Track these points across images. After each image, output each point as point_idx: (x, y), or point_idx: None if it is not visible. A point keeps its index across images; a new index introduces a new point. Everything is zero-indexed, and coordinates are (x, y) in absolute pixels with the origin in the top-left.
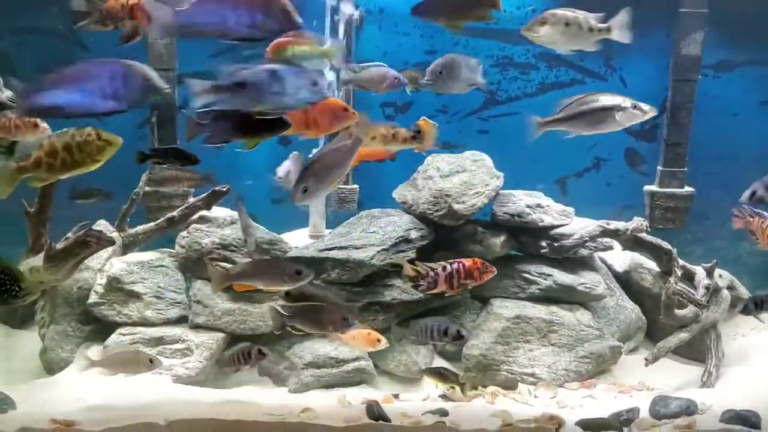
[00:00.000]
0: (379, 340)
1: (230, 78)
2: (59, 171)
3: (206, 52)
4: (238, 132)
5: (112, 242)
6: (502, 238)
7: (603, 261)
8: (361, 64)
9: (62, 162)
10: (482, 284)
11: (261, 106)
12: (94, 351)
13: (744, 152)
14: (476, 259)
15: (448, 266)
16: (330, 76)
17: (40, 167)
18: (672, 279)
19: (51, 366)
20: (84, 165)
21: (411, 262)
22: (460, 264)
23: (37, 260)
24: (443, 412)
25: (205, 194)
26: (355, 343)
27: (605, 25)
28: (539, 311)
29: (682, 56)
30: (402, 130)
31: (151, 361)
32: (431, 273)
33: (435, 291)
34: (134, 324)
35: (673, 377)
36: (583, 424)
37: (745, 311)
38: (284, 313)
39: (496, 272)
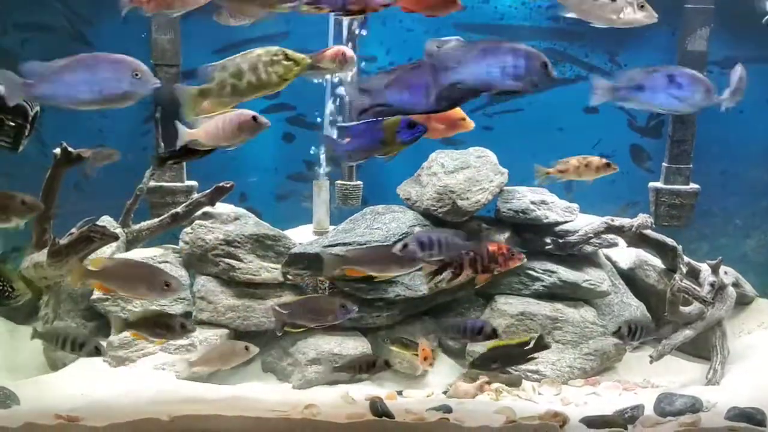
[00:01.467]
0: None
1: (630, 81)
2: (245, 93)
3: (209, 47)
4: (377, 146)
5: (116, 238)
6: (506, 234)
7: (608, 258)
8: (441, 39)
9: (248, 83)
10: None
11: (655, 108)
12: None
13: (749, 149)
14: (501, 244)
15: (471, 251)
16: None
17: (225, 89)
18: (677, 276)
19: (55, 362)
20: (270, 86)
21: None
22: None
23: (41, 256)
24: (447, 409)
25: (209, 190)
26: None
27: None
28: (543, 308)
29: (688, 52)
30: (595, 159)
31: (246, 348)
32: (455, 260)
33: (462, 278)
34: None
35: (678, 374)
36: (588, 421)
37: (617, 335)
38: (282, 311)
39: (525, 260)
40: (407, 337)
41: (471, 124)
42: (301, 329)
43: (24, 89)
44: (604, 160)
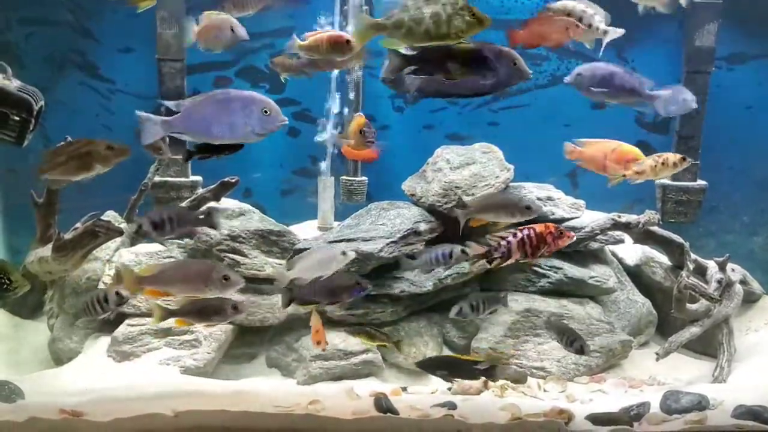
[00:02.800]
0: (318, 342)
1: None
2: (418, 38)
3: None
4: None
5: (120, 233)
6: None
7: (614, 254)
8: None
9: (425, 31)
10: (492, 277)
11: None
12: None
13: (757, 145)
14: (549, 223)
15: (519, 233)
16: None
17: (401, 29)
18: (684, 273)
19: (59, 356)
20: (445, 38)
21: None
22: (531, 229)
23: (46, 251)
24: (451, 405)
25: (213, 186)
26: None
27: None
28: (549, 305)
29: (696, 48)
30: (670, 156)
31: (344, 253)
32: (503, 243)
33: (511, 261)
34: (143, 315)
35: (685, 372)
36: (593, 418)
37: (460, 314)
38: (291, 287)
39: (575, 238)
40: (372, 328)
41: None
42: (313, 305)
43: (164, 127)
44: (679, 155)
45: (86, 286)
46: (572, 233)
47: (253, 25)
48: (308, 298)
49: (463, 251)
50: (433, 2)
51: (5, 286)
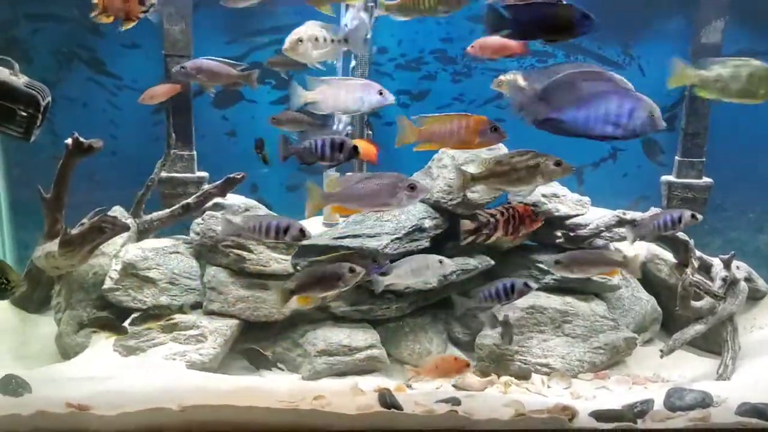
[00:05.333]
0: (467, 365)
1: None
2: (729, 94)
3: (222, 38)
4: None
5: (127, 228)
6: None
7: (619, 251)
8: None
9: (740, 89)
10: (496, 274)
11: None
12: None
13: (763, 143)
14: (526, 206)
15: (505, 212)
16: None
17: (717, 83)
18: (689, 270)
19: (66, 351)
20: (751, 98)
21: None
22: (515, 210)
23: (53, 246)
24: (456, 401)
25: (219, 181)
26: (440, 374)
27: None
28: (554, 301)
29: (703, 44)
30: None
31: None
32: (492, 220)
33: (493, 238)
34: (148, 310)
35: (689, 369)
36: (597, 415)
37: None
38: (290, 286)
39: (542, 223)
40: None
41: None
42: (311, 298)
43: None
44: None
45: (93, 281)
46: (541, 219)
47: (259, 22)
48: (306, 293)
49: (526, 285)
50: (750, 65)
51: (3, 286)
